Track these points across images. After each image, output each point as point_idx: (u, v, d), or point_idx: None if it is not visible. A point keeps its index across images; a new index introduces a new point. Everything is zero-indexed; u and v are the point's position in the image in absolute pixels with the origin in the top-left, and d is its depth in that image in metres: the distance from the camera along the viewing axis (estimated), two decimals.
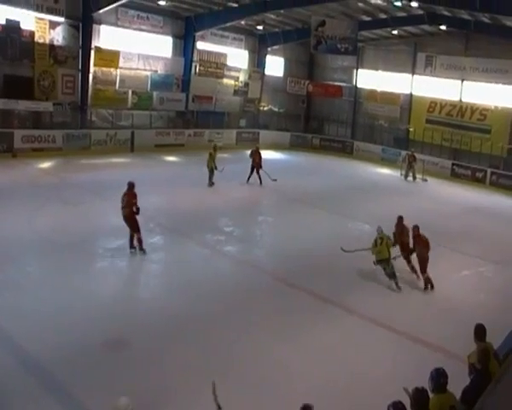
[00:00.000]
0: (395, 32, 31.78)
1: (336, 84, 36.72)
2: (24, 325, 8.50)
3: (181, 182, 20.94)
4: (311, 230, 16.14)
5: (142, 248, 12.42)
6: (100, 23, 26.26)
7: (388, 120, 34.87)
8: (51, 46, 24.70)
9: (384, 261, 11.78)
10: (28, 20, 23.63)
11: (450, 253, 14.81)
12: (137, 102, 28.70)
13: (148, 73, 28.95)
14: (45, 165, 22.44)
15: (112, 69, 27.08)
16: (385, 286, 11.80)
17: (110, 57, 26.73)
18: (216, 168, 20.65)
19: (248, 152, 22.91)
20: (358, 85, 36.45)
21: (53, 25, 24.54)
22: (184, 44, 30.45)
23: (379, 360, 8.20)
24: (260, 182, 21.73)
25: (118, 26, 27.11)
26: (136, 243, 12.40)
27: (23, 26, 23.40)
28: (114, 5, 25.03)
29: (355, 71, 36.29)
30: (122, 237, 13.46)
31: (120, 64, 27.26)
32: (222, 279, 11.47)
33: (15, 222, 14.06)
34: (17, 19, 23.16)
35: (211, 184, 20.66)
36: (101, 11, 25.24)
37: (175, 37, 30.09)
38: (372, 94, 35.47)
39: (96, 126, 27.00)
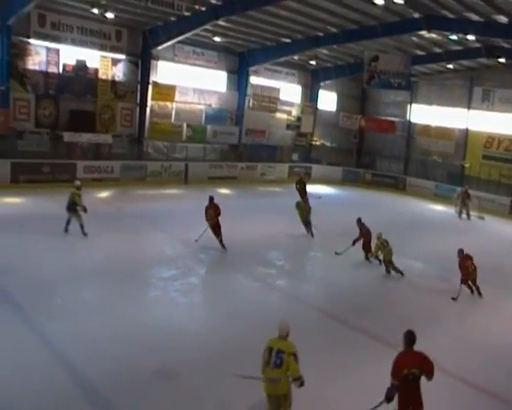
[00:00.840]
0: (450, 65, 31.51)
1: (389, 119, 36.60)
2: (80, 350, 8.72)
3: (232, 214, 21.09)
4: (362, 266, 16.00)
5: (224, 247, 15.42)
6: (157, 59, 27.45)
7: (442, 156, 34.34)
8: (112, 82, 26.08)
9: (390, 260, 14.86)
10: (94, 58, 25.14)
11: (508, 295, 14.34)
12: (192, 135, 29.55)
13: (203, 107, 29.82)
14: (103, 194, 23.31)
15: (168, 103, 28.14)
16: (439, 326, 11.57)
17: (166, 91, 27.78)
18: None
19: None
20: (412, 120, 36.22)
21: (115, 62, 25.97)
22: (238, 79, 31.30)
23: (434, 402, 7.98)
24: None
25: (174, 61, 28.22)
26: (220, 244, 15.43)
27: (89, 64, 24.99)
28: (171, 42, 26.19)
29: (408, 106, 36.11)
30: (174, 267, 13.82)
31: (176, 98, 28.27)
32: (271, 313, 11.32)
33: (74, 249, 14.68)
34: (84, 58, 24.75)
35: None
36: (159, 48, 26.47)
37: (229, 72, 30.96)
38: (426, 129, 35.12)
39: (151, 158, 28.02)
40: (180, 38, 25.64)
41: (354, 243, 16.09)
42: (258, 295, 12.29)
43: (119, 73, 26.20)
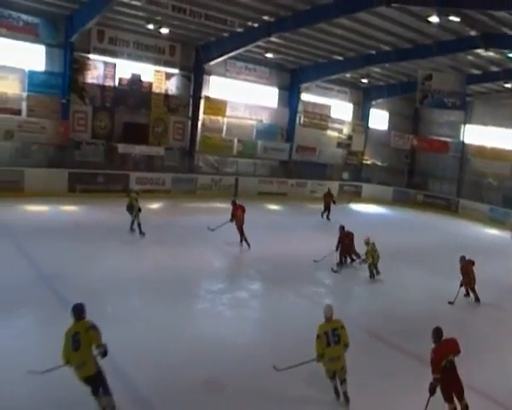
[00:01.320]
0: (508, 85, 30.53)
1: (442, 139, 35.78)
2: (129, 357, 8.69)
3: (281, 231, 20.97)
4: (410, 289, 15.36)
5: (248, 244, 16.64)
6: (210, 74, 27.84)
7: (498, 178, 33.23)
8: (166, 95, 26.60)
9: (376, 264, 15.38)
10: (148, 72, 25.77)
11: None
12: (242, 150, 29.71)
13: (254, 123, 30.02)
14: (154, 206, 23.55)
15: (219, 117, 28.44)
16: (487, 351, 11.01)
17: (218, 106, 28.13)
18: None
19: (350, 205, 22.73)
20: (466, 141, 35.28)
21: (168, 76, 26.50)
22: (289, 95, 31.35)
23: None
24: (327, 217, 24.82)
25: (226, 76, 28.55)
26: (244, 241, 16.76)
27: (143, 78, 25.66)
28: (224, 57, 26.52)
29: (462, 126, 35.23)
30: (222, 281, 13.75)
31: (227, 113, 28.58)
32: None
33: (125, 259, 14.79)
34: (139, 73, 25.44)
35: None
36: (211, 63, 26.85)
37: (280, 88, 31.05)
38: (480, 150, 34.05)
39: (202, 171, 28.35)
40: (232, 53, 25.96)
41: (337, 248, 16.24)
42: (305, 313, 11.99)
43: (172, 87, 26.71)
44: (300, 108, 31.93)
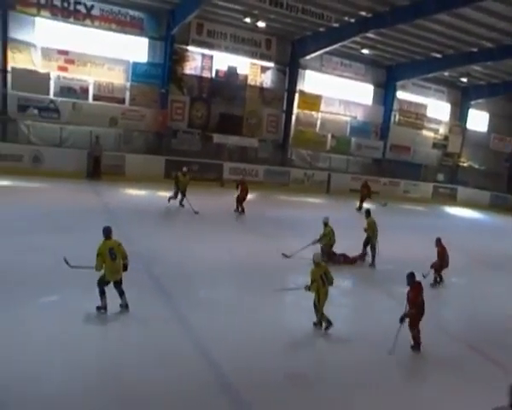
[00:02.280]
0: None
1: None
2: (218, 344, 8.48)
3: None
4: (506, 297, 13.81)
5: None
6: (305, 68, 27.31)
7: None
8: (260, 88, 26.40)
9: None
10: (244, 65, 25.70)
11: None
12: (335, 146, 28.86)
13: (348, 119, 29.19)
14: (248, 196, 23.20)
15: (313, 112, 27.91)
16: None
17: (312, 101, 27.56)
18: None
19: (445, 208, 21.01)
20: None
21: (263, 69, 26.28)
22: (385, 93, 30.21)
23: None
24: (360, 208, 23.07)
25: (321, 71, 27.89)
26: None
27: (239, 70, 25.62)
28: (320, 52, 25.91)
29: None
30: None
31: (322, 108, 27.98)
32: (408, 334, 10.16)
33: (217, 246, 14.33)
34: (235, 65, 25.45)
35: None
36: (307, 57, 26.35)
37: (376, 85, 29.96)
38: None
39: (295, 165, 27.74)
40: (328, 48, 25.25)
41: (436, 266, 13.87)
42: (395, 314, 11.06)
43: (267, 80, 26.46)
44: (396, 106, 30.65)
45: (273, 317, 10.11)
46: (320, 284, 9.65)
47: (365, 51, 26.77)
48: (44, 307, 9.04)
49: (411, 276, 9.28)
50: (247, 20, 23.34)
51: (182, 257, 12.73)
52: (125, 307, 9.04)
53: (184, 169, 18.86)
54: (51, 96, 21.84)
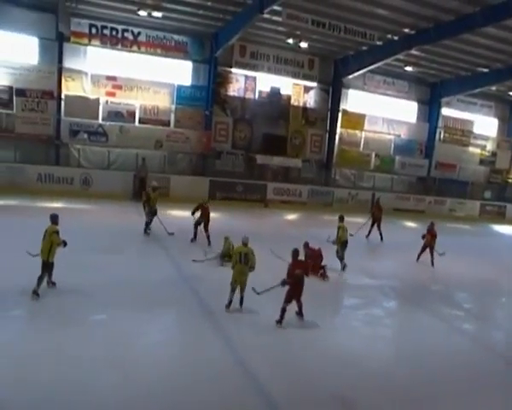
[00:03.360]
0: None
1: None
2: (267, 364, 8.28)
3: (417, 248, 19.06)
4: None
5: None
6: (348, 87, 26.81)
7: None
8: (304, 108, 26.04)
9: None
10: (287, 86, 25.44)
11: None
12: (380, 165, 28.16)
13: (392, 137, 28.41)
14: (291, 217, 22.77)
15: (357, 131, 27.34)
16: None
17: (356, 120, 27.04)
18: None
19: (493, 226, 19.96)
20: None
21: (307, 89, 25.93)
22: (429, 110, 29.28)
23: None
24: (381, 238, 19.18)
25: (364, 90, 27.34)
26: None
27: (282, 91, 25.38)
28: (362, 71, 25.31)
29: None
30: (356, 296, 12.64)
31: (365, 127, 27.40)
32: (456, 358, 9.45)
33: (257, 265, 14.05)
34: (278, 86, 25.24)
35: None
36: (349, 76, 25.78)
37: (420, 102, 29.08)
38: None
39: (338, 185, 27.14)
40: (371, 67, 24.65)
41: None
42: (442, 337, 10.41)
43: (310, 100, 26.09)
44: (441, 123, 29.62)
45: (319, 338, 9.71)
46: (236, 260, 10.26)
47: (409, 68, 26.05)
48: (96, 325, 8.99)
49: (295, 252, 9.94)
50: (290, 40, 23.12)
51: (224, 277, 12.19)
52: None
53: (154, 183, 16.55)
54: (100, 120, 22.25)
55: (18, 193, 19.52)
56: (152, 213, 15.47)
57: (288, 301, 9.68)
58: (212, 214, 20.21)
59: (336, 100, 26.37)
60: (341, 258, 14.16)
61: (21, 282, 10.34)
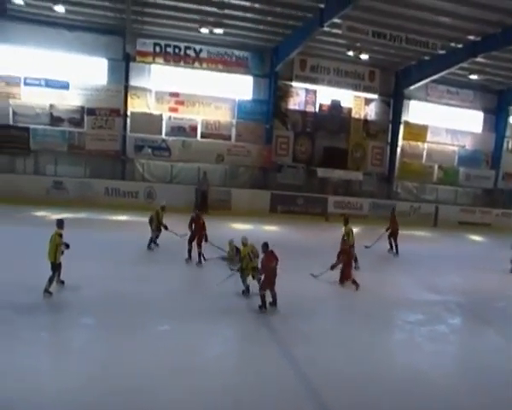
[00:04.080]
0: None
1: None
2: (324, 379, 8.00)
3: (484, 264, 18.06)
4: None
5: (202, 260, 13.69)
6: (409, 98, 26.12)
7: None
8: (365, 121, 25.61)
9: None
10: (347, 98, 25.13)
11: None
12: (443, 177, 27.18)
13: (456, 149, 27.41)
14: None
15: (419, 143, 26.57)
16: None
17: (418, 131, 26.31)
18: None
19: None
20: None
21: (367, 101, 25.51)
22: (496, 119, 28.01)
23: None
24: (396, 251, 17.75)
25: (427, 100, 26.52)
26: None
27: (343, 103, 25.10)
28: (425, 81, 24.68)
29: None
30: (421, 312, 11.96)
31: (428, 138, 26.61)
32: None
33: (320, 279, 13.52)
34: (339, 98, 24.99)
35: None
36: (411, 87, 25.21)
37: (485, 111, 27.89)
38: None
39: (400, 198, 26.35)
40: (434, 77, 23.95)
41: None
42: (508, 357, 9.82)
43: (371, 112, 25.65)
44: (508, 132, 28.25)
45: (381, 354, 9.30)
46: (248, 259, 11.02)
47: (473, 77, 25.03)
48: (160, 336, 9.07)
49: (265, 244, 10.55)
50: (350, 53, 22.81)
51: (286, 289, 11.82)
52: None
53: (163, 203, 16.07)
54: (163, 135, 22.82)
55: (87, 206, 20.36)
56: (158, 230, 15.25)
57: (263, 289, 10.36)
58: (271, 227, 20.34)
59: (398, 111, 25.76)
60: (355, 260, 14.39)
61: (92, 291, 10.75)
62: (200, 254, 13.62)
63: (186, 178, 23.09)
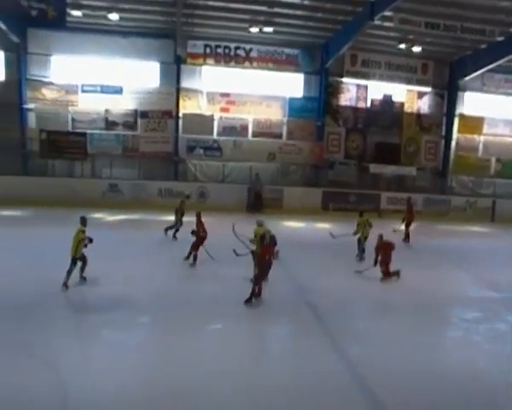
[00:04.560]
0: None
1: None
2: (379, 378, 7.81)
3: None
4: None
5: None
6: (464, 90, 25.19)
7: None
8: (417, 115, 24.93)
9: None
10: (399, 92, 24.56)
11: None
12: (501, 170, 26.10)
13: None
14: (403, 227, 21.90)
15: (475, 136, 25.61)
16: None
17: (474, 124, 25.35)
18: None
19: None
20: None
21: (420, 95, 24.80)
22: None
23: None
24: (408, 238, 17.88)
25: (483, 91, 25.44)
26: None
27: (395, 98, 24.56)
28: (481, 71, 23.68)
29: None
30: (478, 309, 11.50)
31: (484, 130, 25.60)
32: None
33: (374, 277, 13.15)
34: (390, 93, 24.48)
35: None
36: (466, 78, 24.32)
37: None
38: None
39: (455, 193, 25.56)
40: (491, 66, 22.93)
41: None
42: None
43: (424, 105, 24.91)
44: None
45: (437, 352, 9.09)
46: (258, 241, 10.99)
47: None
48: (213, 334, 9.19)
49: (261, 238, 10.72)
50: (402, 46, 22.29)
51: (339, 288, 12.10)
52: None
53: (187, 193, 18.09)
54: (215, 135, 23.03)
55: (141, 208, 20.83)
56: (180, 222, 15.95)
57: (258, 284, 10.38)
58: (324, 225, 20.13)
59: (452, 104, 24.91)
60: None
61: (147, 290, 10.98)
62: (189, 254, 13.29)
63: (238, 177, 23.20)
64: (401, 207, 23.09)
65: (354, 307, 11.23)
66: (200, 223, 13.55)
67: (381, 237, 12.88)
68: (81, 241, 10.77)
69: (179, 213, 16.08)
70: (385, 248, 12.70)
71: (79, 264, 10.93)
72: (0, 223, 17.57)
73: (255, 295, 10.28)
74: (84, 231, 10.91)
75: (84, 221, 11.18)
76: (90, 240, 10.87)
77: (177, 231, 15.94)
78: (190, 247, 13.27)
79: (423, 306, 11.52)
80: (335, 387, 7.45)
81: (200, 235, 13.31)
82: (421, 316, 10.88)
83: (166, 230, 16.16)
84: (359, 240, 14.62)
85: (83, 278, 11.11)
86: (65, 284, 10.53)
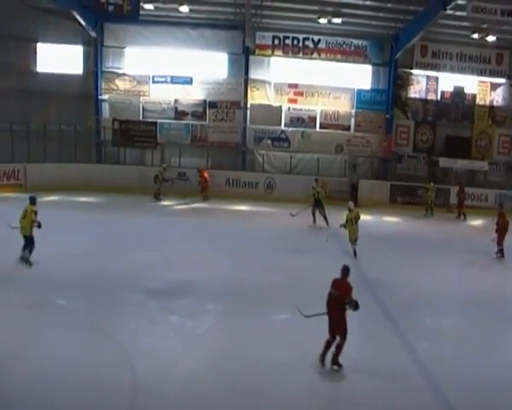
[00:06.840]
0: None
1: None
2: (444, 374, 7.65)
3: None
4: None
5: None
6: None
7: None
8: (490, 107, 23.90)
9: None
10: (471, 84, 23.67)
11: None
12: None
13: None
14: (476, 223, 21.03)
15: None
16: None
17: None
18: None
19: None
20: None
21: (494, 86, 23.75)
22: None
23: None
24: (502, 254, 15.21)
25: None
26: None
27: (466, 90, 23.68)
28: None
29: None
30: None
31: None
32: None
33: (443, 274, 13.01)
34: (462, 85, 23.65)
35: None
36: None
37: None
38: None
39: None
40: None
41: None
42: None
43: (498, 97, 23.79)
44: None
45: (493, 352, 8.77)
46: (350, 224, 13.27)
47: None
48: (281, 324, 9.23)
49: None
50: (475, 35, 21.49)
51: (407, 282, 11.90)
52: None
53: (164, 165, 21.74)
54: (282, 126, 22.93)
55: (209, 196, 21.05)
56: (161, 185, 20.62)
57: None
58: (391, 218, 19.77)
59: None
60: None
61: (215, 278, 11.06)
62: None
63: (305, 168, 22.95)
64: (471, 203, 22.53)
65: (422, 303, 10.83)
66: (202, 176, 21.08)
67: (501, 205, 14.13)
68: (33, 221, 10.72)
69: (159, 181, 20.51)
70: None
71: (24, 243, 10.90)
72: (77, 208, 18.22)
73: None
74: (36, 213, 10.80)
75: (33, 200, 11.06)
76: (39, 225, 10.73)
77: (159, 194, 20.40)
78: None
79: (500, 305, 11.01)
80: (404, 385, 7.33)
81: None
82: (496, 315, 10.43)
83: (155, 196, 20.34)
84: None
85: (23, 259, 10.95)
86: (26, 260, 10.85)
